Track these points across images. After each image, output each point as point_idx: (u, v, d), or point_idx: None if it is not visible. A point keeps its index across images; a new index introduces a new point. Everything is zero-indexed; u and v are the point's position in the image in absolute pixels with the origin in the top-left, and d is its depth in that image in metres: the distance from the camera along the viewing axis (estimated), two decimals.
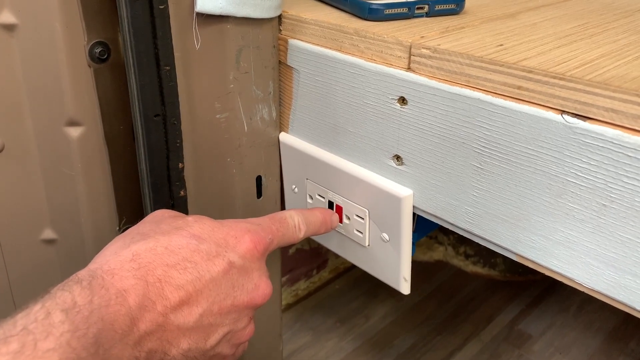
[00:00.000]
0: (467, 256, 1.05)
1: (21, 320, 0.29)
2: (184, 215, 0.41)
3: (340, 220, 0.50)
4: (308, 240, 0.98)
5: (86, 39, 0.42)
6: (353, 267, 1.03)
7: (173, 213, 0.41)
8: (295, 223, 0.45)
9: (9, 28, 0.39)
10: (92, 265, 0.35)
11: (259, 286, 0.39)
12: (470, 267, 1.04)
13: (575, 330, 0.90)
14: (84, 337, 0.29)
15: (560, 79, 0.32)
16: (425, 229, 0.50)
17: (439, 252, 1.08)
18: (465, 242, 1.04)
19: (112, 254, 0.35)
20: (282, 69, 0.50)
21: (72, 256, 0.48)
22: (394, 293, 0.96)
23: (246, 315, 0.39)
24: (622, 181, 0.31)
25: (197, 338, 0.36)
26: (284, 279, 0.94)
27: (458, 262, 1.06)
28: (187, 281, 0.35)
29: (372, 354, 0.85)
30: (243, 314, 0.39)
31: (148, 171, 0.44)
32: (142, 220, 0.40)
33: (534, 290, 0.98)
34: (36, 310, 0.29)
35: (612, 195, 0.32)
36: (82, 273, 0.33)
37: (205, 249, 0.37)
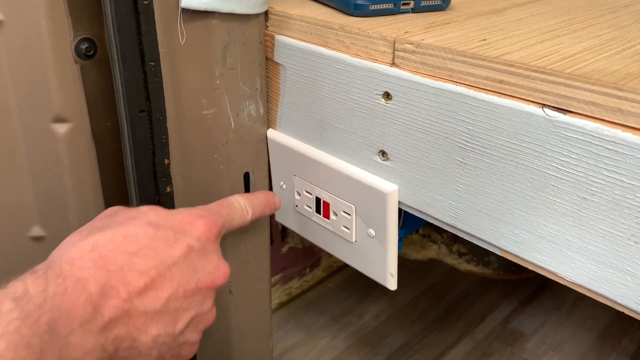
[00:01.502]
0: (460, 254, 1.05)
1: None
2: (136, 207, 0.41)
3: (327, 216, 0.50)
4: (301, 239, 0.98)
5: (72, 35, 0.41)
6: (346, 266, 1.03)
7: (125, 207, 0.41)
8: (242, 206, 0.46)
9: None
10: (49, 258, 0.35)
11: (218, 267, 0.40)
12: (463, 266, 1.04)
13: (568, 328, 0.90)
14: (35, 324, 0.29)
15: (541, 72, 0.32)
16: (413, 225, 0.50)
17: (432, 251, 1.08)
18: (458, 240, 1.04)
19: (70, 245, 0.35)
20: (269, 65, 0.50)
21: None
22: (386, 291, 0.96)
23: (210, 298, 0.40)
24: (602, 174, 0.31)
25: (166, 323, 0.36)
26: (277, 277, 0.94)
27: (451, 260, 1.06)
28: (150, 267, 0.35)
29: (364, 352, 0.85)
30: (207, 295, 0.39)
31: (134, 167, 0.44)
32: (95, 218, 0.40)
33: (526, 289, 0.98)
34: None
35: (592, 188, 0.32)
36: (39, 266, 0.33)
37: (164, 235, 0.37)
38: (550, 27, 0.42)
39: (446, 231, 1.10)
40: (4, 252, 0.46)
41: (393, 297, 0.96)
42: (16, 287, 0.30)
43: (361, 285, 0.99)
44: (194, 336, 0.39)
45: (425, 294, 0.97)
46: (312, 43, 0.45)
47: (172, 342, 0.37)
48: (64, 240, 0.37)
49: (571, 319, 0.92)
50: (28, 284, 0.30)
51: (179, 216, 0.40)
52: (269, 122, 0.53)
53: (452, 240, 1.05)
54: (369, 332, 0.89)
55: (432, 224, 0.44)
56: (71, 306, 0.31)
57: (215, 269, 0.40)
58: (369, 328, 0.90)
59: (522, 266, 0.39)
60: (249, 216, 0.46)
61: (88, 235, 0.36)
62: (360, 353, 0.85)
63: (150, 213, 0.39)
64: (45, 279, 0.31)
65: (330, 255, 1.01)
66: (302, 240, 0.96)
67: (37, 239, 0.47)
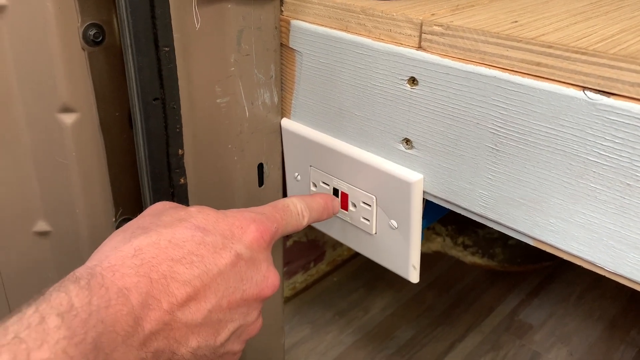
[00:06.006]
0: (465, 247, 1.04)
1: (13, 327, 0.26)
2: (185, 206, 0.39)
3: (345, 207, 0.49)
4: (305, 232, 0.97)
5: (80, 21, 0.40)
6: (351, 260, 1.02)
7: (173, 204, 0.39)
8: (298, 210, 0.43)
9: None
10: (91, 262, 0.33)
11: (267, 277, 0.38)
12: (468, 258, 1.03)
13: (576, 320, 0.89)
14: (82, 343, 0.27)
15: (583, 53, 0.31)
16: (434, 215, 0.49)
17: (437, 243, 1.06)
18: (463, 232, 1.03)
19: (112, 249, 0.33)
20: (283, 52, 0.48)
21: (66, 249, 0.46)
22: (392, 285, 0.95)
23: (255, 309, 0.37)
24: None
25: (207, 335, 0.34)
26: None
27: (456, 252, 1.05)
28: (194, 276, 0.33)
29: (372, 347, 0.84)
30: (252, 307, 0.37)
31: (147, 158, 0.42)
32: (141, 214, 0.38)
33: (533, 281, 0.97)
34: (29, 315, 0.27)
35: (637, 174, 0.31)
36: (80, 271, 0.31)
37: (211, 241, 0.35)
38: (579, 9, 0.40)
39: (451, 223, 1.09)
40: (8, 248, 0.44)
41: (399, 290, 0.95)
42: (60, 299, 0.28)
43: (366, 279, 0.97)
44: (235, 346, 0.37)
45: (431, 287, 0.96)
46: (331, 27, 0.44)
47: (212, 354, 0.35)
48: (106, 241, 0.35)
49: (579, 311, 0.91)
50: (72, 296, 0.28)
51: (230, 219, 0.37)
52: (282, 112, 0.51)
53: (457, 232, 1.04)
54: (376, 326, 0.88)
55: None
56: (115, 319, 0.29)
57: (264, 279, 0.37)
58: (376, 322, 0.88)
59: (527, 258, 0.37)
60: (304, 221, 0.43)
61: (131, 237, 0.34)
62: (368, 347, 0.84)
63: (199, 216, 0.36)
64: (89, 289, 0.29)
65: (334, 249, 1.00)
66: (306, 233, 0.94)
67: (42, 234, 0.45)
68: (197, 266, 0.33)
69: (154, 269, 0.32)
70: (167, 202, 0.40)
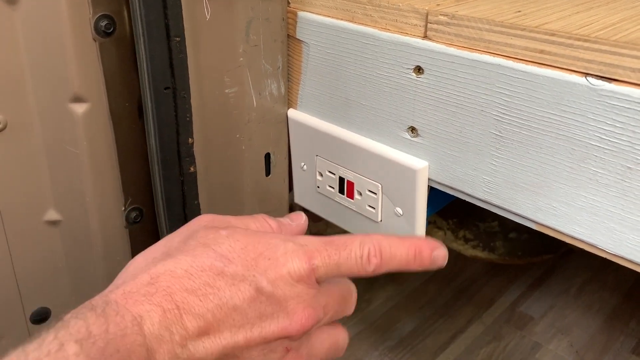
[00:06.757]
0: (466, 240, 1.04)
1: (33, 354, 0.27)
2: (218, 228, 0.36)
3: (351, 196, 0.50)
4: (308, 225, 0.97)
5: (91, 12, 0.40)
6: None
7: (211, 220, 0.37)
8: (363, 252, 0.35)
9: (11, 1, 0.38)
10: (108, 289, 0.33)
11: (292, 316, 0.33)
12: (469, 251, 1.04)
13: (576, 312, 0.90)
14: None
15: (585, 40, 0.32)
16: (438, 203, 0.50)
17: (438, 237, 1.07)
18: (464, 226, 1.04)
19: (131, 276, 0.33)
20: (290, 43, 0.49)
21: (76, 238, 0.47)
22: (394, 278, 0.96)
23: (278, 347, 0.34)
24: None
25: None
26: None
27: (457, 246, 1.05)
28: (207, 309, 0.32)
29: (375, 338, 0.85)
30: (274, 347, 0.34)
31: (157, 146, 0.43)
32: (179, 229, 0.37)
33: (533, 273, 0.98)
34: (49, 342, 0.27)
35: (638, 157, 0.32)
36: (97, 299, 0.31)
37: (231, 272, 0.33)
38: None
39: (452, 217, 1.10)
40: (19, 237, 0.45)
41: (401, 283, 0.95)
42: (78, 326, 0.28)
43: None
44: None
45: (433, 280, 0.97)
46: (337, 18, 0.44)
47: None
48: (130, 262, 0.35)
49: (578, 302, 0.92)
50: (90, 323, 0.28)
51: (261, 248, 0.34)
52: (289, 102, 0.52)
53: (458, 226, 1.05)
54: (378, 318, 0.89)
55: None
56: (130, 349, 0.29)
57: (287, 317, 0.33)
58: (379, 314, 0.89)
59: (528, 252, 0.38)
60: (371, 268, 0.35)
61: (151, 263, 0.33)
62: (370, 339, 0.85)
63: (226, 242, 0.34)
64: (105, 317, 0.29)
65: None
66: (309, 227, 0.95)
67: (53, 223, 0.46)
68: (211, 299, 0.32)
69: (167, 298, 0.31)
70: (208, 216, 0.38)
